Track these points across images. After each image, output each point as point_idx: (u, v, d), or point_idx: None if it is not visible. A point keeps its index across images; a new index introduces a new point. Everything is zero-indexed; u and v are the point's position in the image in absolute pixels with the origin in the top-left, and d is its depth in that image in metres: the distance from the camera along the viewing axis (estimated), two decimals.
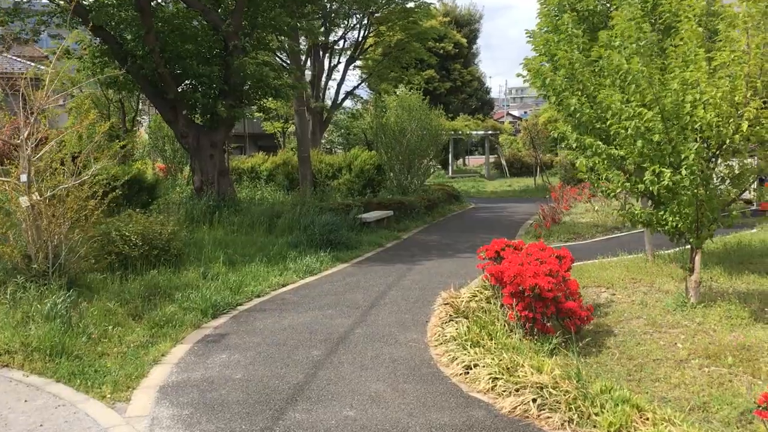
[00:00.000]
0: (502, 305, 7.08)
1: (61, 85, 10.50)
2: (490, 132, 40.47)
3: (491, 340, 6.08)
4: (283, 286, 9.71)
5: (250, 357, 6.27)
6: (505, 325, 6.45)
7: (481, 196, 28.00)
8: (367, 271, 10.79)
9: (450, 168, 40.69)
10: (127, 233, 9.59)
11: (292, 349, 6.53)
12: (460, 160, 51.47)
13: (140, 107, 25.36)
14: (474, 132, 38.85)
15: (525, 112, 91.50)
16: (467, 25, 47.11)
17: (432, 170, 23.28)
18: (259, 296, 9.03)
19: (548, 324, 6.18)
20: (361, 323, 7.44)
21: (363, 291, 9.22)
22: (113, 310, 7.38)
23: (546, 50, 8.89)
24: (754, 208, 17.18)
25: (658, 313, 7.13)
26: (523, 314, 6.06)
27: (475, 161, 56.80)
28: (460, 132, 37.51)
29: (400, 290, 9.24)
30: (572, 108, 7.35)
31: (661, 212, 6.92)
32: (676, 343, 6.19)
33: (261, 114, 18.64)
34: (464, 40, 44.34)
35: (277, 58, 23.77)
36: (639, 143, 6.76)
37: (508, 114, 77.20)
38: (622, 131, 6.89)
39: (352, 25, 26.04)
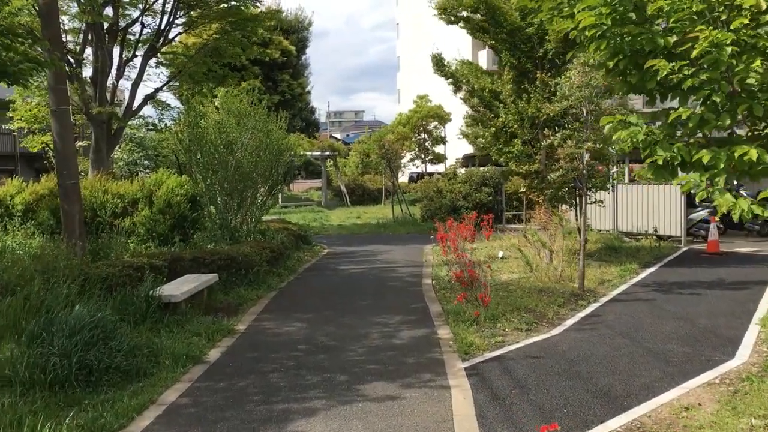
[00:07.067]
0: None
1: None
2: (327, 153, 34.67)
3: None
4: None
5: None
6: None
7: (330, 233, 21.90)
8: None
9: (280, 195, 34.22)
10: None
11: None
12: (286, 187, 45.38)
13: None
14: (310, 153, 32.83)
15: (348, 135, 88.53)
16: (295, 33, 41.48)
17: (270, 202, 16.76)
18: None
19: None
20: None
21: None
22: None
23: None
24: None
25: None
26: None
27: (299, 186, 51.00)
28: (292, 153, 31.33)
29: None
30: None
31: None
32: None
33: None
34: (293, 48, 38.53)
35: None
36: None
37: (332, 136, 73.68)
38: None
39: (151, 2, 18.88)
